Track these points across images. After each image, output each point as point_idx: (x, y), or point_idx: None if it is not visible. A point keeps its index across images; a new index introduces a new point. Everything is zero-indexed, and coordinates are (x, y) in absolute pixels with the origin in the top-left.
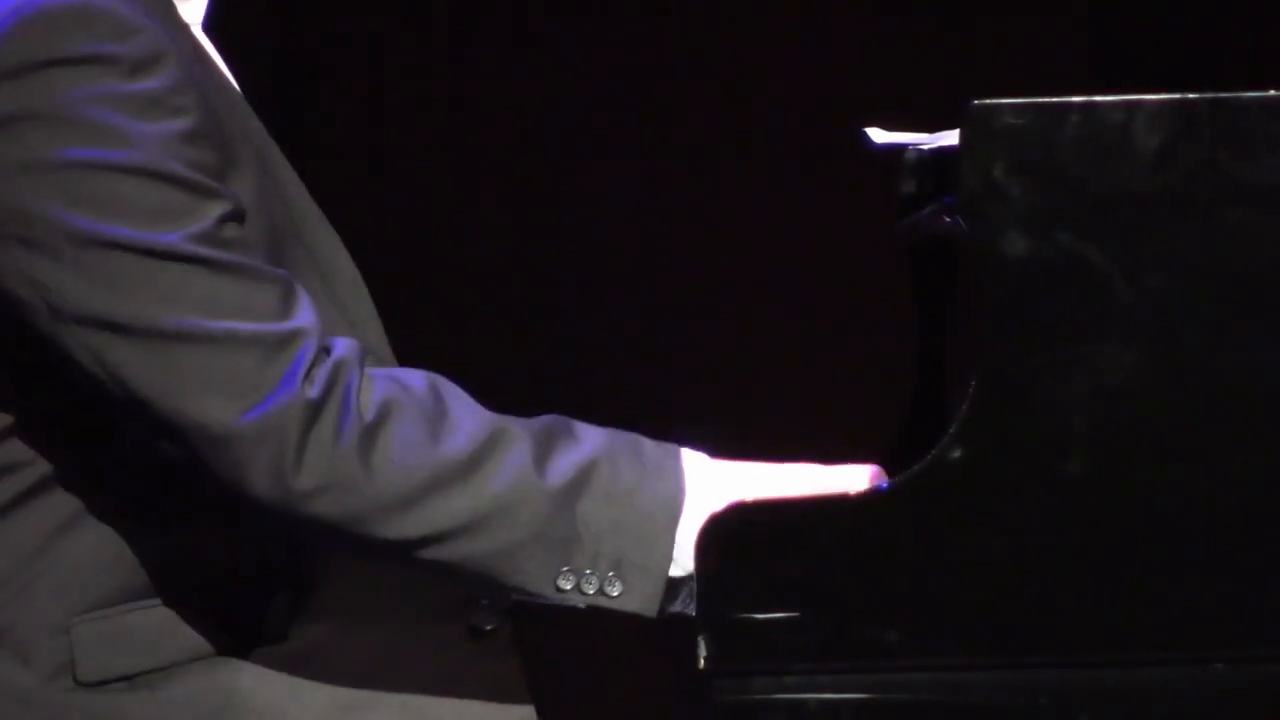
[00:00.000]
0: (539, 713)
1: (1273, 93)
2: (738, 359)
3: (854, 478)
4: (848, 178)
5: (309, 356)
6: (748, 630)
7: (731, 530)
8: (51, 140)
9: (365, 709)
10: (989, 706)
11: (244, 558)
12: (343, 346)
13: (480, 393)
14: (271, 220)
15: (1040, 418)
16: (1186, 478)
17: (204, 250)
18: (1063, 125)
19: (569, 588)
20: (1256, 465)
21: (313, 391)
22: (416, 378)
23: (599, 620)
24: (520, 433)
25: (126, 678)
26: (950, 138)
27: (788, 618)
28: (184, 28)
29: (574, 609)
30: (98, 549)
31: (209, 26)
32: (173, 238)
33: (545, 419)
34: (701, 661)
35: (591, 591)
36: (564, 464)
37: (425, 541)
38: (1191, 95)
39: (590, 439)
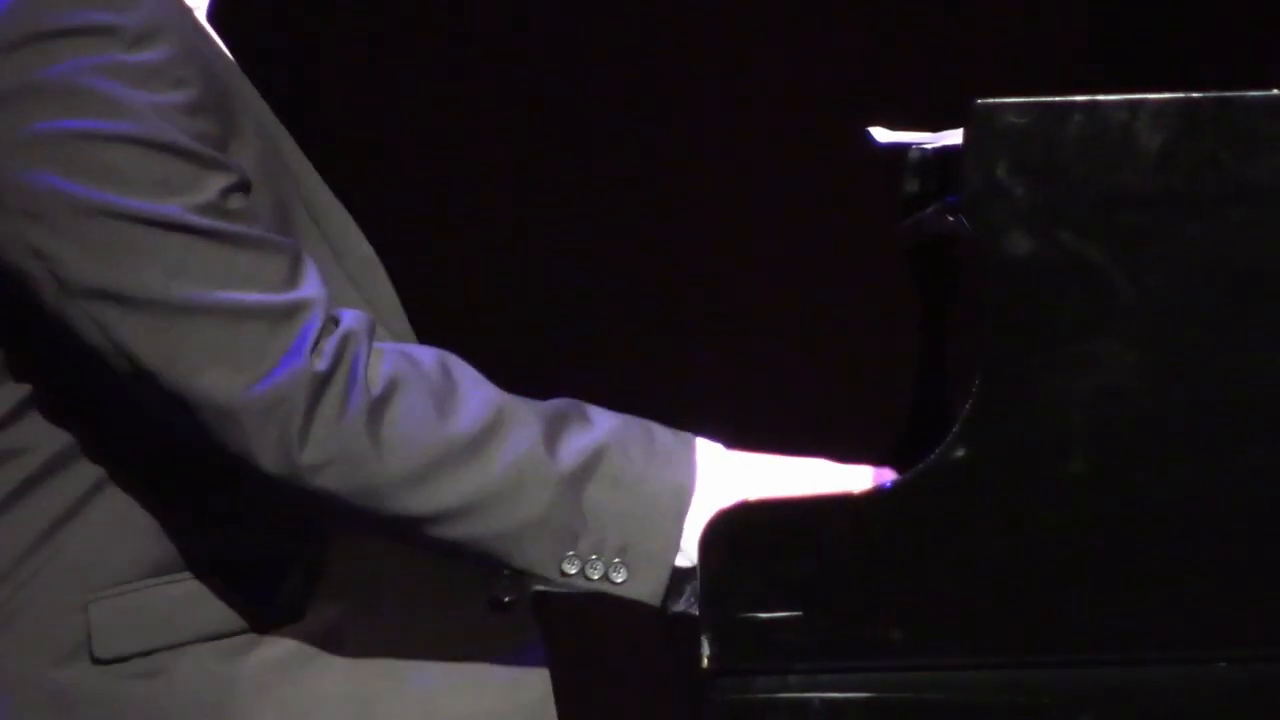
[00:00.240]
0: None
1: (1276, 92)
2: (739, 359)
3: (864, 477)
4: (851, 177)
5: (316, 327)
6: (751, 629)
7: (735, 529)
8: (53, 112)
9: (383, 685)
10: (992, 706)
11: (259, 533)
12: (351, 318)
13: None
14: (279, 196)
15: (1043, 417)
16: (1189, 477)
17: (208, 221)
18: (1066, 124)
19: (574, 572)
20: (1258, 464)
21: (321, 364)
22: (426, 353)
23: (599, 621)
24: (530, 414)
25: (144, 654)
26: (953, 137)
27: (791, 617)
28: (187, 10)
29: (578, 593)
30: (112, 526)
31: (211, 19)
32: (176, 209)
33: (558, 401)
34: (705, 661)
35: (596, 577)
36: (573, 447)
37: (431, 519)
38: (1195, 95)
39: (602, 423)
